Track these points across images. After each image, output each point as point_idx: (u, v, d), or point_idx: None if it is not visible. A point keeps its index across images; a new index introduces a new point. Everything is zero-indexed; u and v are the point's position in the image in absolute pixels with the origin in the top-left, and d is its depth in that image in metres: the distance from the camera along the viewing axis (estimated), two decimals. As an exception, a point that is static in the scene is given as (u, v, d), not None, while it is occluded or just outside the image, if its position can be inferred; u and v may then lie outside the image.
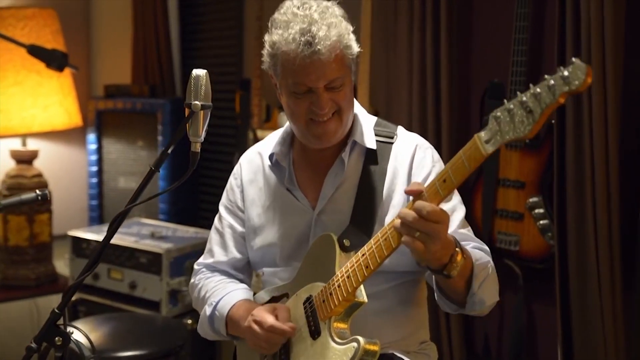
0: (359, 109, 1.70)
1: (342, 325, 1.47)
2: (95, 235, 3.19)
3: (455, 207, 1.62)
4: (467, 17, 2.59)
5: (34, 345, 1.59)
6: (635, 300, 2.21)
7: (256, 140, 3.38)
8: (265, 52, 1.60)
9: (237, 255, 1.77)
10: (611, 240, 2.10)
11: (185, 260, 3.02)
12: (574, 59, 1.14)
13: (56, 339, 1.59)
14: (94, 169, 3.77)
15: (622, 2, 2.05)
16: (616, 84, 2.06)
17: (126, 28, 3.97)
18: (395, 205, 1.60)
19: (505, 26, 2.40)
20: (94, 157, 3.76)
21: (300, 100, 1.56)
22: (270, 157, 1.71)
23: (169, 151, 1.60)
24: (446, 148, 2.50)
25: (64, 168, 3.82)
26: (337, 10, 1.57)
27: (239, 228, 1.76)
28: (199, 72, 1.48)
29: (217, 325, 1.69)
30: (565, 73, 1.14)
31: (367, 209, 1.58)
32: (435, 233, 1.31)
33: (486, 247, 1.59)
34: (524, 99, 1.18)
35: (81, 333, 1.77)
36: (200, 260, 1.85)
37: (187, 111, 1.51)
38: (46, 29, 3.35)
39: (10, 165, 3.43)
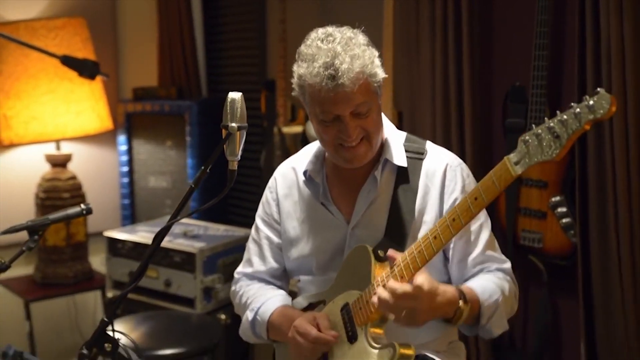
0: (388, 125, 1.78)
1: (378, 331, 1.58)
2: (129, 235, 3.30)
3: (481, 227, 1.72)
4: (488, 21, 2.64)
5: (85, 351, 1.71)
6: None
7: (282, 137, 3.47)
8: (294, 81, 1.68)
9: (275, 265, 1.87)
10: (632, 238, 2.16)
11: (217, 258, 3.13)
12: (599, 89, 1.22)
13: (105, 345, 1.70)
14: (125, 169, 3.88)
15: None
16: (636, 85, 2.12)
17: (152, 32, 4.07)
18: (427, 222, 1.69)
19: (526, 31, 2.45)
20: (124, 158, 3.88)
21: (328, 127, 1.65)
22: (304, 173, 1.80)
23: (208, 169, 1.71)
24: (469, 151, 2.58)
25: (96, 169, 3.94)
26: (362, 39, 1.63)
27: (276, 239, 1.86)
28: (235, 96, 1.57)
29: (258, 330, 1.80)
30: (591, 102, 1.22)
31: (400, 225, 1.67)
32: (417, 308, 1.45)
33: (507, 266, 1.71)
34: (552, 124, 1.27)
35: (128, 339, 1.89)
36: (240, 269, 1.95)
37: (224, 132, 1.60)
38: (76, 37, 3.46)
39: (45, 168, 3.55)
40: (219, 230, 3.41)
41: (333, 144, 1.66)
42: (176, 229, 3.39)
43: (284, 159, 3.68)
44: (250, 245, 1.93)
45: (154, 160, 3.86)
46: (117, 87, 3.98)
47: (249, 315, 1.82)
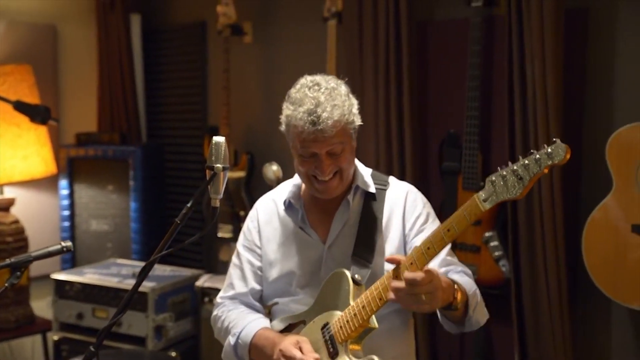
0: (357, 162, 2.01)
1: (356, 347, 1.77)
2: (77, 277, 3.36)
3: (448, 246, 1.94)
4: (426, 74, 2.94)
5: (72, 381, 1.80)
6: (579, 320, 2.58)
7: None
8: (281, 118, 1.89)
9: (256, 286, 2.03)
10: (558, 268, 2.45)
11: (167, 297, 3.23)
12: (555, 139, 1.47)
13: (93, 375, 1.80)
14: (66, 213, 3.93)
15: (560, 65, 2.43)
16: (557, 136, 2.42)
17: (92, 79, 4.17)
18: (392, 239, 1.92)
19: (460, 84, 2.75)
20: (66, 202, 3.92)
21: (306, 162, 1.86)
22: (284, 201, 2.01)
23: (191, 207, 1.85)
24: (411, 190, 2.83)
25: (38, 213, 3.96)
26: (343, 90, 1.85)
27: (257, 263, 2.03)
28: (219, 140, 1.73)
29: (240, 353, 1.94)
30: (549, 150, 1.47)
31: (368, 241, 1.88)
32: (434, 289, 1.63)
33: (469, 271, 1.93)
34: (515, 167, 1.51)
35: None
36: (221, 294, 2.10)
37: (208, 173, 1.76)
38: (23, 83, 3.53)
39: (-13, 213, 3.57)
40: (165, 270, 3.51)
41: (308, 175, 1.88)
42: (123, 270, 3.47)
43: (227, 203, 3.83)
44: (232, 271, 2.08)
45: (95, 204, 3.93)
46: (57, 133, 4.04)
47: (231, 339, 1.97)
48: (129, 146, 3.88)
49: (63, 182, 3.91)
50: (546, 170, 1.48)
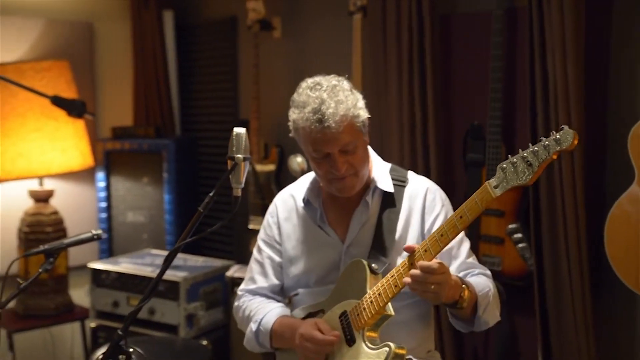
0: (375, 156, 2.05)
1: (373, 334, 1.82)
2: (112, 266, 3.47)
3: (462, 240, 1.98)
4: (449, 66, 2.96)
5: (102, 362, 1.89)
6: (603, 313, 2.59)
7: (256, 174, 3.71)
8: (290, 124, 1.93)
9: (276, 281, 2.09)
10: (581, 260, 2.46)
11: (199, 287, 3.32)
12: (564, 126, 1.50)
13: (120, 356, 1.89)
14: (103, 204, 4.05)
15: (581, 58, 2.43)
16: (580, 122, 2.43)
17: (128, 74, 4.29)
18: (410, 239, 1.95)
19: (483, 75, 2.76)
20: (103, 194, 4.05)
21: (321, 163, 1.90)
22: (303, 199, 2.05)
23: (214, 196, 1.92)
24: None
25: (76, 205, 4.09)
26: (346, 85, 1.89)
27: (277, 258, 2.09)
28: (240, 130, 1.80)
29: (262, 339, 2.01)
30: (558, 136, 1.50)
31: (386, 241, 1.92)
32: (444, 281, 1.68)
33: (488, 272, 1.96)
34: (525, 154, 1.54)
35: (140, 351, 2.07)
36: (242, 286, 2.16)
37: (229, 163, 1.82)
38: (61, 78, 3.65)
39: (28, 204, 3.70)
40: (197, 261, 3.61)
41: (326, 177, 1.92)
42: (157, 260, 3.57)
43: (258, 195, 3.90)
44: (253, 265, 2.14)
45: (131, 196, 4.05)
46: (95, 127, 4.16)
47: (252, 326, 2.04)
48: (162, 139, 3.98)
49: (100, 175, 4.04)
50: (555, 157, 1.51)
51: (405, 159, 2.92)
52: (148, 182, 4.02)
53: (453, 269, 1.93)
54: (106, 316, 3.45)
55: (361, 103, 1.92)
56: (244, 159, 1.79)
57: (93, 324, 3.49)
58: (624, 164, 2.37)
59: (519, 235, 2.67)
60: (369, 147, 2.03)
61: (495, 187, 1.61)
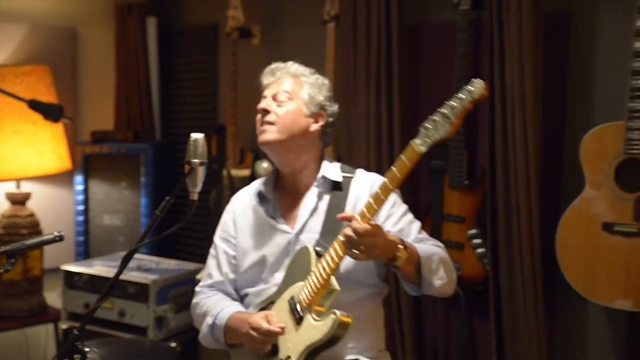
0: (327, 159, 2.15)
1: (321, 309, 1.86)
2: (86, 268, 3.51)
3: (412, 220, 2.08)
4: (416, 75, 3.02)
5: (56, 360, 1.93)
6: (556, 318, 2.64)
7: (231, 179, 3.76)
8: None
9: (231, 275, 2.15)
10: (534, 265, 2.51)
11: (169, 289, 3.37)
12: (474, 79, 1.62)
13: (75, 356, 1.93)
14: (81, 207, 4.10)
15: (538, 67, 2.49)
16: (536, 134, 2.49)
17: (110, 79, 4.35)
18: None
19: (447, 84, 2.81)
20: (80, 197, 4.09)
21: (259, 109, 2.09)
22: (258, 194, 2.14)
23: (171, 200, 1.97)
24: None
25: (53, 207, 4.14)
26: (324, 79, 2.13)
27: (231, 252, 2.15)
28: (197, 136, 1.85)
29: (217, 334, 2.06)
30: (470, 88, 1.63)
31: (334, 227, 1.97)
32: (373, 243, 1.76)
33: (440, 244, 2.03)
34: (444, 111, 1.65)
35: (95, 352, 2.11)
36: (201, 283, 2.23)
37: (187, 167, 1.88)
38: (41, 83, 3.71)
39: (5, 206, 3.75)
40: (170, 264, 3.65)
41: (258, 120, 2.08)
42: (130, 263, 3.60)
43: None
44: (209, 262, 2.21)
45: (109, 200, 4.09)
46: (75, 130, 4.22)
47: (208, 320, 2.09)
48: (141, 144, 4.04)
49: (78, 178, 4.09)
50: (469, 106, 1.63)
51: (372, 163, 2.97)
52: (126, 186, 4.07)
53: None
54: (77, 318, 3.49)
55: (323, 92, 2.11)
56: (201, 164, 1.85)
57: (64, 326, 3.52)
58: (580, 171, 2.42)
59: (478, 240, 2.73)
60: (327, 159, 2.15)
61: (420, 144, 1.70)
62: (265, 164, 2.87)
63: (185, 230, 4.23)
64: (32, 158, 3.66)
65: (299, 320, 1.89)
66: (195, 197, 1.90)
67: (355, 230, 1.75)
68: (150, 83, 4.33)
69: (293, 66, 2.11)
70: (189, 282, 3.49)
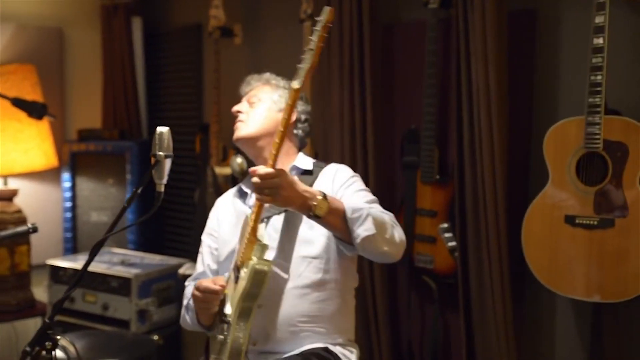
0: (301, 154, 2.27)
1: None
2: (71, 263, 3.58)
3: (364, 192, 2.14)
4: (389, 74, 3.08)
5: (28, 348, 1.99)
6: (524, 311, 2.70)
7: (215, 177, 3.82)
8: None
9: (213, 265, 2.25)
10: (501, 258, 2.56)
11: (152, 283, 3.43)
12: (325, 7, 1.78)
13: (46, 343, 1.98)
14: (69, 204, 4.17)
15: (503, 64, 2.55)
16: (501, 130, 2.55)
17: (97, 79, 4.41)
18: None
19: (419, 82, 2.87)
20: (68, 194, 4.16)
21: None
22: (238, 190, 2.29)
23: (139, 191, 2.04)
24: (372, 184, 2.97)
25: (41, 204, 4.21)
26: (282, 80, 2.29)
27: (214, 244, 2.26)
28: (163, 129, 1.92)
29: (190, 314, 2.14)
30: (320, 17, 1.79)
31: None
32: (276, 185, 1.83)
33: (380, 207, 2.07)
34: (310, 45, 1.80)
35: (66, 340, 2.17)
36: (189, 279, 2.32)
37: (152, 160, 1.95)
38: (26, 82, 3.77)
39: (-8, 203, 3.82)
40: (154, 259, 3.71)
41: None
42: (115, 258, 3.68)
43: (217, 196, 4.05)
44: (197, 259, 2.32)
45: (96, 197, 4.16)
46: (63, 129, 4.28)
47: (184, 302, 2.19)
48: (126, 141, 4.10)
49: (66, 176, 4.15)
50: (325, 33, 1.78)
51: (346, 160, 3.03)
52: (113, 184, 4.14)
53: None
54: (62, 311, 3.55)
55: (284, 95, 2.23)
56: (166, 157, 1.92)
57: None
58: (547, 167, 2.47)
59: (450, 234, 2.78)
60: (303, 154, 2.27)
61: (295, 82, 1.83)
62: (239, 159, 2.94)
63: (171, 226, 4.30)
64: (18, 155, 3.73)
65: (237, 279, 1.98)
66: (162, 189, 1.96)
67: (258, 175, 1.84)
68: (137, 82, 4.40)
69: (266, 74, 2.30)
70: (171, 277, 3.56)
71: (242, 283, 1.93)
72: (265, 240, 1.96)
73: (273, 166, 1.87)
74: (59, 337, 2.03)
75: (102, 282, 3.42)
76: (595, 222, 2.30)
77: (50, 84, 4.14)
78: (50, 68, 4.23)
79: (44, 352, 1.98)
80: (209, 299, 1.99)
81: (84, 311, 3.48)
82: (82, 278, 2.02)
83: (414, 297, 3.01)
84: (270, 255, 2.07)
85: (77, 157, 4.17)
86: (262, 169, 1.85)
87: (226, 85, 3.82)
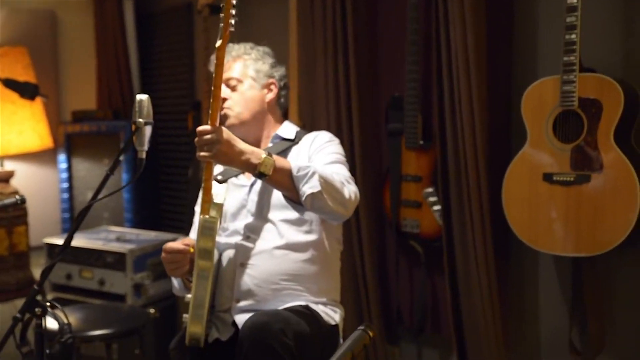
0: (286, 123, 2.34)
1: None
2: (68, 241, 3.64)
3: (334, 158, 2.18)
4: (373, 43, 3.10)
5: (18, 315, 2.05)
6: (508, 269, 2.74)
7: (208, 154, 3.86)
8: None
9: None
10: (483, 219, 2.60)
11: (147, 258, 3.49)
12: None
13: (36, 310, 2.04)
14: (65, 185, 4.23)
15: (481, 26, 2.57)
16: (481, 92, 2.57)
17: (90, 58, 4.46)
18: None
19: (402, 51, 2.90)
20: (64, 175, 4.22)
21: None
22: None
23: (121, 157, 2.09)
24: (358, 152, 3.01)
25: (38, 186, 4.27)
26: (261, 47, 2.29)
27: None
28: (142, 97, 1.97)
29: (177, 280, 2.19)
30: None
31: None
32: (212, 141, 1.86)
33: (342, 170, 2.13)
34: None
35: (57, 306, 2.22)
36: None
37: (133, 127, 2.00)
38: (18, 64, 3.83)
39: (-10, 185, 3.88)
40: (150, 235, 3.77)
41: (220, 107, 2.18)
42: (111, 235, 3.74)
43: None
44: (190, 230, 2.37)
45: (92, 177, 4.22)
46: (58, 111, 4.34)
47: None
48: (120, 121, 4.15)
49: (61, 157, 4.21)
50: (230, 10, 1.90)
51: (332, 131, 3.06)
52: (108, 164, 4.18)
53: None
54: (61, 288, 3.62)
55: (267, 61, 2.29)
56: (146, 124, 1.97)
57: (49, 297, 3.66)
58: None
59: (434, 198, 2.82)
60: (289, 122, 2.35)
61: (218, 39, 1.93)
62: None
63: (167, 204, 4.36)
64: (12, 137, 3.79)
65: None
66: (143, 155, 2.01)
67: (197, 132, 1.88)
68: (130, 63, 4.44)
69: (233, 49, 2.28)
70: (166, 252, 3.61)
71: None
72: (218, 200, 2.01)
73: (213, 124, 1.89)
74: (48, 303, 2.09)
75: (98, 258, 3.48)
76: (572, 178, 2.33)
77: (44, 66, 4.19)
78: (44, 50, 4.28)
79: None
80: (176, 259, 2.03)
81: (81, 287, 3.53)
82: (70, 243, 2.07)
83: (402, 261, 3.05)
84: (249, 219, 2.13)
85: (72, 138, 4.22)
86: (200, 127, 1.89)
87: (216, 63, 3.85)
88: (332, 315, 2.21)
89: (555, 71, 2.40)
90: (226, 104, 2.22)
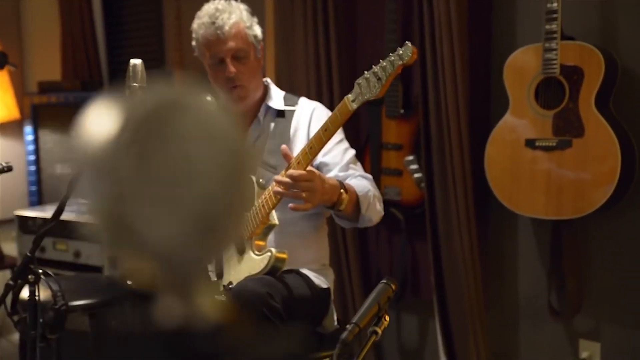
0: (272, 85, 2.27)
1: (261, 243, 2.01)
2: (39, 213, 3.59)
3: (347, 149, 2.19)
4: (352, 13, 3.12)
5: (11, 282, 2.04)
6: (488, 234, 2.82)
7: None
8: (193, 42, 2.12)
9: None
10: (465, 185, 2.66)
11: (123, 229, 3.46)
12: (407, 42, 1.68)
13: (29, 276, 2.03)
14: (32, 158, 4.15)
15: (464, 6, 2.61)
16: (463, 59, 2.62)
17: (55, 28, 4.35)
18: (297, 150, 2.10)
19: (381, 20, 2.93)
20: (31, 147, 4.14)
21: (217, 72, 2.13)
22: None
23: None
24: (339, 120, 3.03)
25: (3, 157, 4.15)
26: (242, 6, 2.16)
27: None
28: (136, 61, 1.95)
29: None
30: (400, 52, 1.73)
31: (276, 154, 2.08)
32: (313, 188, 1.86)
33: (369, 176, 2.15)
34: (376, 70, 1.76)
35: (49, 274, 2.21)
36: None
37: (127, 93, 1.98)
38: (-18, 32, 3.72)
39: (-45, 156, 3.78)
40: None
41: (224, 87, 2.14)
42: (82, 207, 3.69)
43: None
44: None
45: (60, 149, 4.15)
46: (22, 81, 4.23)
47: None
48: (88, 92, 4.08)
49: (28, 129, 4.12)
50: (399, 70, 1.77)
51: (312, 98, 3.08)
52: (77, 135, 4.12)
53: (335, 172, 2.12)
54: (33, 261, 3.56)
55: (256, 23, 2.20)
56: (140, 88, 1.95)
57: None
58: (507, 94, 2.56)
59: (415, 166, 2.87)
60: (268, 79, 2.29)
61: (353, 101, 1.81)
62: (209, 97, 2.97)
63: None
64: (-21, 107, 3.70)
65: (241, 251, 2.03)
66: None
67: (290, 176, 1.86)
68: (96, 32, 4.35)
69: (230, 17, 2.11)
70: (142, 223, 3.59)
71: (254, 266, 1.99)
72: (275, 221, 2.00)
73: (307, 165, 1.89)
74: (41, 270, 2.08)
75: (72, 230, 3.44)
76: (554, 144, 2.41)
77: (6, 36, 4.08)
78: (7, 20, 4.17)
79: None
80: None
81: (56, 259, 3.49)
82: (62, 210, 2.05)
83: (382, 229, 3.10)
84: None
85: (39, 110, 4.13)
86: (294, 172, 1.85)
87: (188, 32, 3.79)
88: (323, 278, 2.25)
89: (535, 39, 2.47)
90: (238, 81, 2.12)
